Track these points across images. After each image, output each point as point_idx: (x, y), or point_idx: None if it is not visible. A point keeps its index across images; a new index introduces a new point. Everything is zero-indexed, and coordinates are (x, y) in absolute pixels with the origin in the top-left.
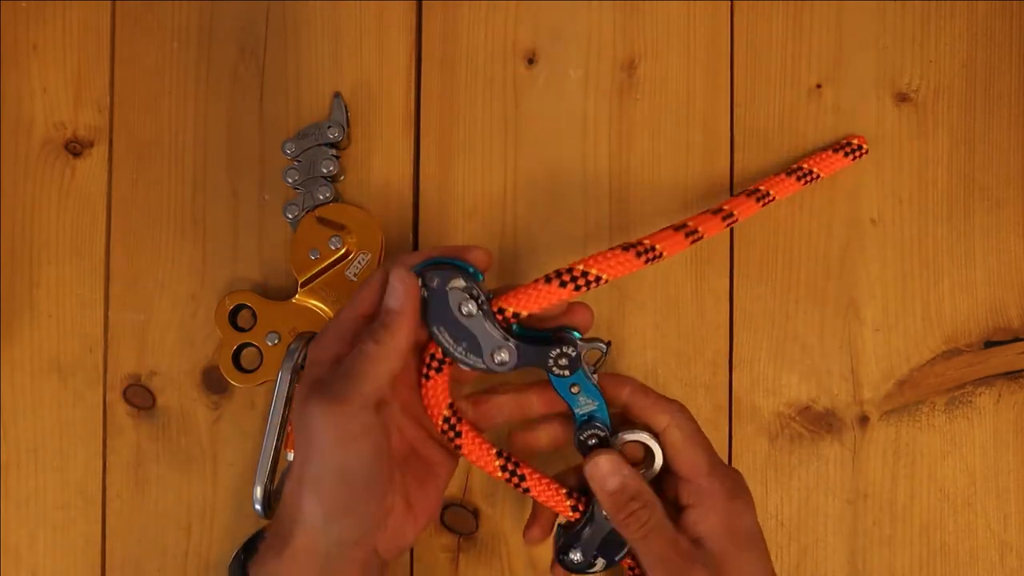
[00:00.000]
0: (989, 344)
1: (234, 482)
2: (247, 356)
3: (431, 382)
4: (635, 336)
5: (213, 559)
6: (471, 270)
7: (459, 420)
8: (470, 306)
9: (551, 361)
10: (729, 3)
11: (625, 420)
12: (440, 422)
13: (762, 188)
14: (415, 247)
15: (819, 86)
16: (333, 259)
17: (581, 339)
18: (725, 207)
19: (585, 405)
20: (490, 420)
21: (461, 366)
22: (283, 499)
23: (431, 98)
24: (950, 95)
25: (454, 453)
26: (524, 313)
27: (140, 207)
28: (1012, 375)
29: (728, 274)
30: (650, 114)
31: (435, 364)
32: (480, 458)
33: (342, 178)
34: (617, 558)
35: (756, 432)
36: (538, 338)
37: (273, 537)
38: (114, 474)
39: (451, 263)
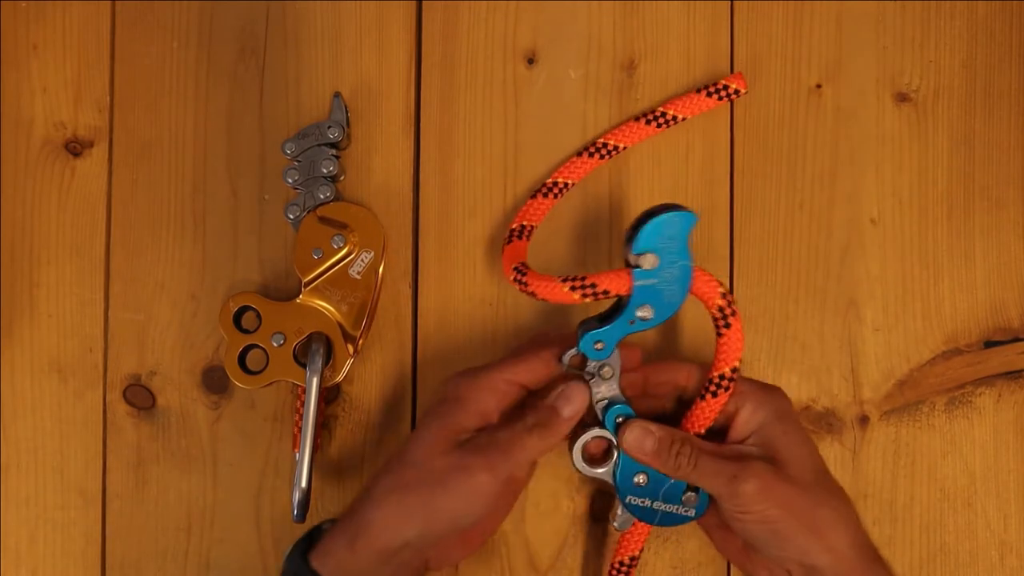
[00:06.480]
0: (989, 344)
1: (234, 482)
2: (252, 358)
3: (510, 246)
4: (635, 337)
5: (213, 559)
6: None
7: (525, 271)
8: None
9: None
10: (729, 3)
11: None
12: (511, 273)
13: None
14: (415, 247)
15: (819, 86)
16: (336, 258)
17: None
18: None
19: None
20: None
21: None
22: (371, 504)
23: (431, 98)
24: (950, 95)
25: (513, 494)
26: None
27: (140, 207)
28: (1012, 375)
29: (728, 274)
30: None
31: (516, 233)
32: (550, 290)
33: (342, 178)
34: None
35: None
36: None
37: (344, 532)
38: (114, 474)
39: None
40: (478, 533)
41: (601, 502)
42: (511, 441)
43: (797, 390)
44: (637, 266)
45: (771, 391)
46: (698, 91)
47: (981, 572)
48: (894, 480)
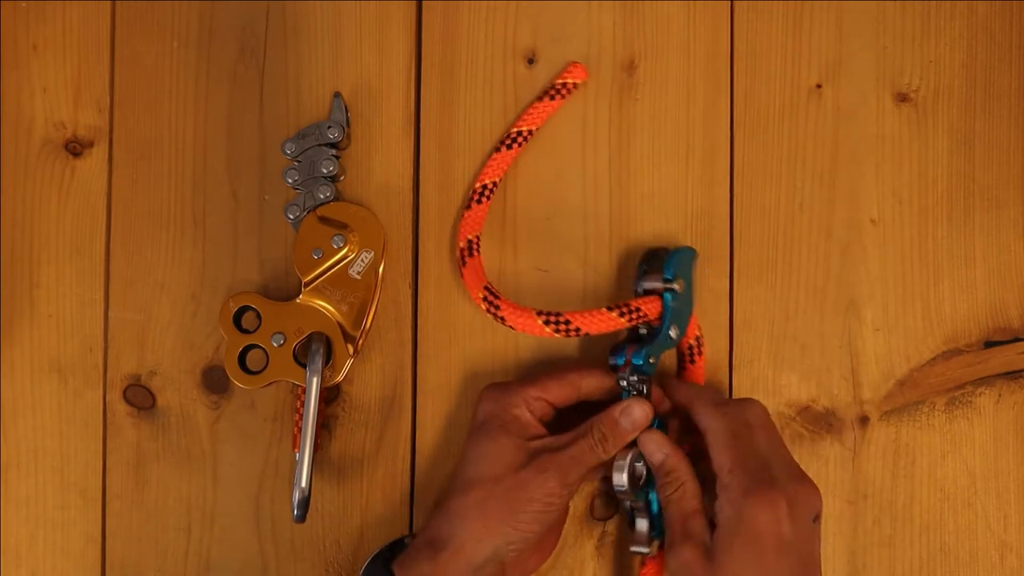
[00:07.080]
0: (989, 344)
1: (234, 482)
2: (252, 358)
3: (467, 266)
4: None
5: (213, 559)
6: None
7: (496, 295)
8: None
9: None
10: (729, 3)
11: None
12: (479, 297)
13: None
14: (415, 247)
15: (819, 86)
16: (336, 258)
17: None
18: None
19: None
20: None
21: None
22: (453, 521)
23: (431, 98)
24: (950, 95)
25: (570, 500)
26: None
27: (140, 207)
28: (1012, 375)
29: (728, 274)
30: (650, 114)
31: (467, 251)
32: (524, 322)
33: (342, 178)
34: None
35: None
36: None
37: (427, 547)
38: (114, 474)
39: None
40: (549, 541)
41: (601, 503)
42: (580, 451)
43: (797, 390)
44: (669, 290)
45: (748, 494)
46: (539, 99)
47: (981, 572)
48: (894, 480)
